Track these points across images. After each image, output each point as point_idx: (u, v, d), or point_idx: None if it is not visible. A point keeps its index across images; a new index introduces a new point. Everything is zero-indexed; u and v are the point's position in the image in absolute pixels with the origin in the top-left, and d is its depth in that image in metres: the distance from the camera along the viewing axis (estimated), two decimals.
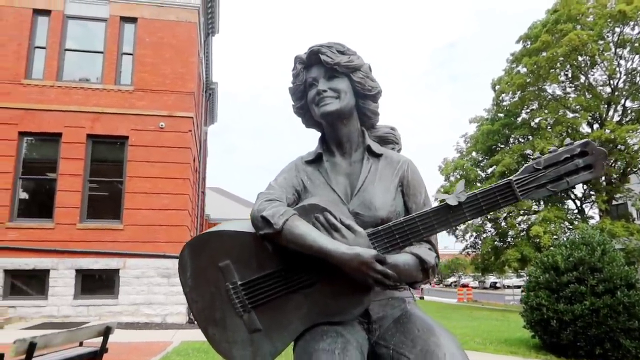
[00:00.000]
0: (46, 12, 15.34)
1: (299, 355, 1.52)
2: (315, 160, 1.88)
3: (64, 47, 15.41)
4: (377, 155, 1.85)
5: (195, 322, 1.74)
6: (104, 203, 14.94)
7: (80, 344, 5.61)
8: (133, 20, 15.83)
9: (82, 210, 14.46)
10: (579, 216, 27.81)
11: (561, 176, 1.57)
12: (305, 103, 1.90)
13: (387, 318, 1.70)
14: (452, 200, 1.58)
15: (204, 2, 19.65)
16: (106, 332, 5.50)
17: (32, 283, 13.97)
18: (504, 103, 30.56)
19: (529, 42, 28.77)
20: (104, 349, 5.54)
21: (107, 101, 15.14)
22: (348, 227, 1.58)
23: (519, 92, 28.71)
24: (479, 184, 30.96)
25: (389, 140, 1.99)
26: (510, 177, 1.59)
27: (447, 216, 1.60)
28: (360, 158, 1.85)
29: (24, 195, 14.87)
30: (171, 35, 15.91)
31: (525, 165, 1.61)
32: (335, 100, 1.79)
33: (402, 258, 1.61)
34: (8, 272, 13.76)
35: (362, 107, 1.87)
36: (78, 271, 14.00)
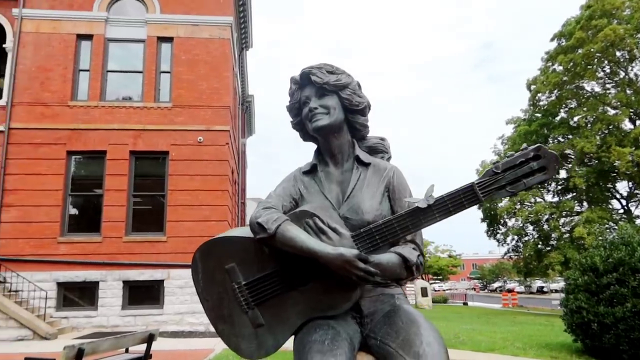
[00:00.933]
0: (89, 37, 16.17)
1: (296, 346, 1.72)
2: (311, 171, 2.08)
3: (106, 68, 16.18)
4: (366, 164, 2.04)
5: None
6: (148, 216, 15.54)
7: (126, 351, 5.95)
8: (169, 39, 16.47)
9: (127, 223, 15.09)
10: (624, 216, 26.82)
11: (519, 178, 1.71)
12: (301, 119, 2.10)
13: (378, 312, 1.87)
14: (422, 203, 1.74)
15: (237, 18, 20.22)
16: (149, 339, 5.82)
17: (82, 295, 14.65)
18: (541, 103, 29.92)
19: (563, 40, 28.14)
20: (147, 355, 5.85)
21: (147, 118, 15.79)
22: (334, 230, 1.77)
23: (556, 90, 28.07)
24: None
25: (379, 149, 2.17)
26: (473, 181, 1.74)
27: (419, 217, 1.75)
28: (351, 167, 2.04)
29: (73, 211, 15.64)
30: (206, 52, 16.46)
31: (487, 169, 1.76)
32: (326, 116, 1.98)
33: (386, 257, 1.77)
34: (61, 285, 14.49)
35: (352, 120, 2.06)
36: (125, 282, 14.60)
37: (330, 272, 1.71)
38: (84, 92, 15.92)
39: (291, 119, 2.16)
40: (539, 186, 1.93)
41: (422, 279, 49.37)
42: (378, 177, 2.02)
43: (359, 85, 2.09)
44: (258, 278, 1.85)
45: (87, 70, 16.01)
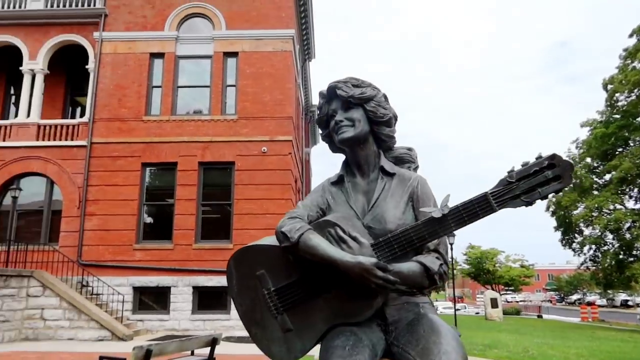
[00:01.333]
0: (160, 55, 17.16)
1: (321, 351, 1.78)
2: (339, 182, 2.14)
3: (177, 84, 17.08)
4: (391, 175, 2.08)
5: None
6: (216, 224, 16.15)
7: (192, 353, 6.23)
8: (234, 54, 17.13)
9: (196, 231, 15.77)
10: None
11: (533, 187, 1.68)
12: (329, 132, 2.16)
13: (402, 321, 1.90)
14: (436, 213, 1.75)
15: (299, 30, 20.67)
16: (213, 342, 6.07)
17: (156, 299, 15.44)
18: (619, 103, 28.11)
19: None
20: (211, 358, 6.10)
21: (215, 130, 16.46)
22: (354, 239, 1.82)
23: (636, 90, 26.27)
24: (595, 192, 28.62)
25: (405, 160, 2.19)
26: (487, 190, 1.72)
27: (435, 227, 1.77)
28: (376, 177, 2.09)
29: (147, 220, 16.56)
30: (269, 65, 16.96)
31: (500, 178, 1.72)
32: (351, 128, 2.04)
33: (407, 266, 1.80)
34: (137, 289, 15.37)
35: (377, 132, 2.10)
36: (195, 288, 15.24)
37: (351, 280, 1.76)
38: (157, 107, 16.88)
39: (320, 131, 2.24)
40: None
41: (492, 289, 47.57)
42: (402, 187, 2.05)
43: (386, 97, 2.14)
44: (286, 285, 1.93)
45: (160, 87, 16.97)
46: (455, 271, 61.20)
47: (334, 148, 2.22)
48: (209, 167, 16.42)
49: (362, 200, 2.06)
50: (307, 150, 29.85)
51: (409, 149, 2.23)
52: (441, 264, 1.87)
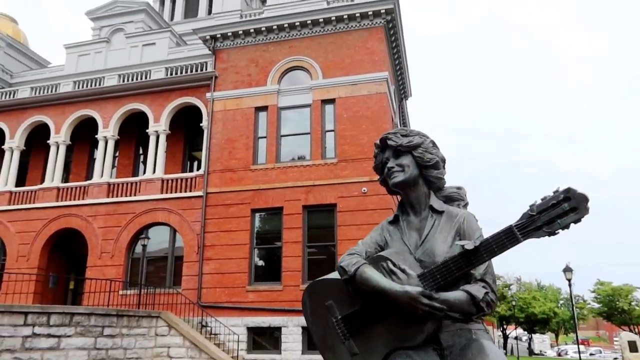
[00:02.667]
0: (264, 108, 18.50)
1: None
2: (395, 221, 2.43)
3: (280, 133, 18.23)
4: (440, 212, 2.31)
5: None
6: (321, 265, 16.62)
7: None
8: (331, 101, 17.96)
9: (303, 272, 16.34)
10: None
11: (553, 219, 1.83)
12: (384, 177, 2.44)
13: (456, 346, 2.10)
14: (469, 246, 1.95)
15: (393, 72, 21.13)
16: None
17: (268, 339, 16.11)
18: None
19: None
20: None
21: (316, 174, 17.20)
22: (403, 271, 2.06)
23: None
24: None
25: (454, 198, 2.42)
26: (511, 223, 1.90)
27: (470, 258, 1.97)
28: (427, 215, 2.33)
29: (258, 262, 17.52)
30: (365, 107, 17.51)
31: (523, 212, 1.89)
32: (401, 173, 2.33)
33: (454, 294, 2.00)
34: (250, 329, 16.17)
35: (426, 175, 2.36)
36: (304, 328, 15.66)
37: (402, 308, 2.00)
38: (263, 156, 18.09)
39: (378, 177, 2.53)
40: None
41: (630, 330, 42.41)
42: (450, 223, 2.27)
43: (433, 143, 2.39)
44: (350, 313, 2.22)
45: (265, 137, 18.23)
46: (584, 311, 55.60)
47: (390, 191, 2.49)
48: (313, 210, 17.09)
49: (415, 237, 2.30)
50: None
51: (459, 188, 2.47)
52: (486, 292, 2.05)
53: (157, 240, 18.68)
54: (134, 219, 18.67)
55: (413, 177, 2.34)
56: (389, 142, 2.37)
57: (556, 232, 1.86)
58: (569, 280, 20.13)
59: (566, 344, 52.72)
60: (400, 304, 2.00)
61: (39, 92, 21.78)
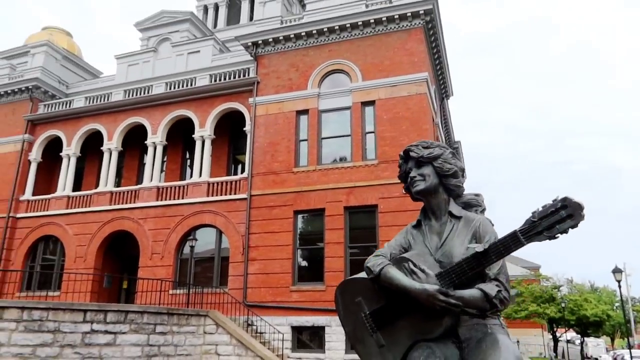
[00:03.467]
0: (305, 112, 18.85)
1: None
2: (418, 225, 2.70)
3: (321, 136, 18.52)
4: (458, 217, 2.55)
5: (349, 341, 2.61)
6: (363, 266, 16.74)
7: None
8: (371, 103, 18.10)
9: (345, 273, 16.55)
10: None
11: (552, 225, 2.03)
12: (408, 185, 2.69)
13: (472, 339, 2.32)
14: (479, 248, 2.18)
15: (433, 72, 21.04)
16: None
17: (312, 338, 16.43)
18: None
19: None
20: None
21: (357, 176, 17.38)
22: (422, 271, 2.29)
23: None
24: None
25: (473, 204, 2.64)
26: (516, 228, 2.11)
27: (480, 260, 2.20)
28: (446, 220, 2.55)
29: (301, 263, 17.87)
30: (405, 108, 17.56)
31: (527, 218, 2.09)
32: (422, 182, 2.58)
33: (469, 292, 2.23)
34: (294, 328, 16.53)
35: (445, 183, 2.59)
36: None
37: (422, 304, 2.23)
38: (304, 158, 18.43)
39: (404, 185, 2.77)
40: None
41: None
42: (467, 227, 2.50)
43: (453, 154, 2.62)
44: (377, 309, 2.47)
45: (306, 140, 18.58)
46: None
47: (414, 197, 2.72)
48: (354, 211, 17.29)
49: (436, 240, 2.55)
50: None
51: (477, 195, 2.69)
52: (499, 290, 2.27)
53: (204, 242, 19.34)
54: (182, 221, 19.41)
55: (433, 186, 2.58)
56: (411, 154, 2.63)
57: (556, 236, 2.05)
58: (619, 281, 19.47)
59: (622, 348, 50.46)
60: (420, 301, 2.23)
61: (93, 102, 22.96)
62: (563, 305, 29.69)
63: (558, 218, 2.04)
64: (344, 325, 2.62)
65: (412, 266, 2.34)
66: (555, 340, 32.69)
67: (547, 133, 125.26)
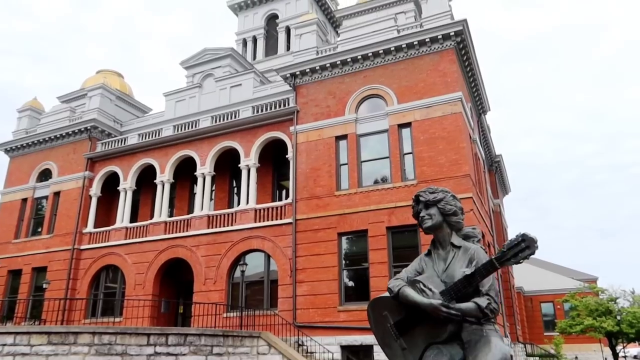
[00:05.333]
0: (344, 137, 19.62)
1: None
2: (429, 253, 3.40)
3: (360, 159, 19.20)
4: (458, 247, 3.24)
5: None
6: None
7: None
8: (407, 125, 18.67)
9: None
10: None
11: (516, 253, 2.71)
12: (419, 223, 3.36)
13: (472, 341, 2.99)
14: (468, 271, 2.88)
15: (468, 89, 21.44)
16: None
17: (362, 357, 16.85)
18: None
19: None
20: None
21: (397, 197, 17.90)
22: (430, 290, 2.98)
23: None
24: None
25: (470, 235, 3.35)
26: (492, 257, 2.81)
27: (470, 280, 2.87)
28: (450, 249, 3.25)
29: (347, 283, 18.43)
30: (441, 128, 18.03)
31: (499, 249, 2.75)
32: (429, 220, 3.32)
33: (465, 305, 2.90)
34: (344, 348, 17.03)
35: (448, 220, 3.32)
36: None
37: (430, 315, 2.91)
38: (345, 182, 19.14)
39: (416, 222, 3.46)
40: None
41: None
42: (465, 255, 3.22)
43: (453, 197, 3.37)
44: (399, 320, 3.17)
45: (346, 164, 19.31)
46: None
47: (425, 232, 3.44)
48: (396, 231, 17.76)
49: (442, 265, 3.27)
50: (497, 202, 29.30)
51: (473, 228, 3.37)
52: (489, 303, 2.97)
53: (253, 266, 20.24)
54: (232, 247, 20.41)
55: (438, 223, 3.31)
56: (420, 198, 3.40)
57: (520, 261, 2.74)
58: None
59: None
60: (429, 312, 2.93)
61: (145, 138, 24.59)
62: (619, 318, 28.76)
63: (520, 249, 2.75)
64: (375, 334, 3.32)
65: (422, 286, 3.05)
66: (615, 355, 31.51)
67: (601, 137, 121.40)
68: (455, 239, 3.31)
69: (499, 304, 3.12)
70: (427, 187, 3.47)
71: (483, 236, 19.26)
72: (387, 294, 3.33)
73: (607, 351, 36.91)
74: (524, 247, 2.75)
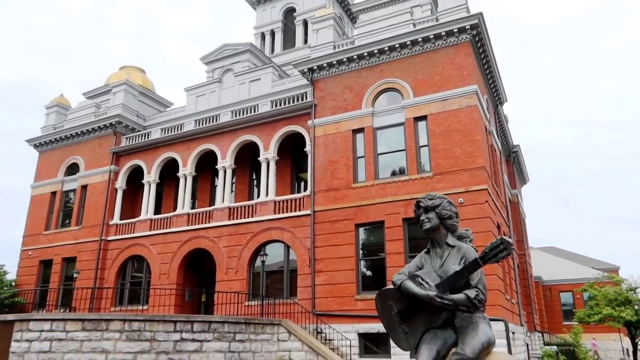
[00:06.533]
0: (361, 130, 20.03)
1: (418, 342, 3.49)
2: (428, 251, 3.86)
3: (377, 152, 19.60)
4: (452, 246, 3.73)
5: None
6: None
7: None
8: (423, 118, 18.99)
9: None
10: None
11: (496, 254, 3.19)
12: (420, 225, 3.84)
13: (464, 326, 3.49)
14: (457, 268, 3.38)
15: (485, 81, 21.60)
16: None
17: (378, 344, 17.40)
18: None
19: None
20: None
21: (413, 188, 18.28)
22: (427, 283, 3.46)
23: None
24: None
25: (463, 236, 3.84)
26: (477, 256, 3.30)
27: (460, 275, 3.37)
28: (445, 248, 3.73)
29: (364, 273, 18.94)
30: (456, 121, 18.31)
31: (484, 250, 3.20)
32: (428, 223, 3.81)
33: (457, 296, 3.40)
34: (361, 335, 17.59)
35: (444, 223, 3.80)
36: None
37: (428, 304, 3.41)
38: (362, 174, 19.58)
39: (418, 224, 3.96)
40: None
41: None
42: (458, 253, 3.72)
43: (449, 202, 3.88)
44: (402, 308, 3.68)
45: (363, 157, 19.73)
46: None
47: (424, 233, 3.93)
48: (412, 222, 18.10)
49: (438, 262, 3.78)
50: (514, 192, 29.41)
51: (466, 230, 3.86)
52: (477, 294, 3.49)
53: (273, 256, 20.89)
54: (253, 238, 21.07)
55: (436, 225, 3.83)
56: (421, 204, 3.91)
57: (499, 260, 3.25)
58: None
59: None
60: (426, 302, 3.44)
61: (168, 132, 25.34)
62: (637, 307, 28.75)
63: (499, 250, 3.26)
64: (382, 320, 3.80)
65: (420, 280, 3.57)
66: (635, 345, 31.51)
67: (628, 124, 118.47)
68: (451, 239, 3.85)
69: (486, 295, 3.62)
70: (427, 194, 4.00)
71: (499, 226, 19.58)
72: (390, 286, 3.87)
73: (627, 341, 36.87)
74: (502, 248, 3.26)
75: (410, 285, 3.54)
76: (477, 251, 3.76)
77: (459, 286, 3.47)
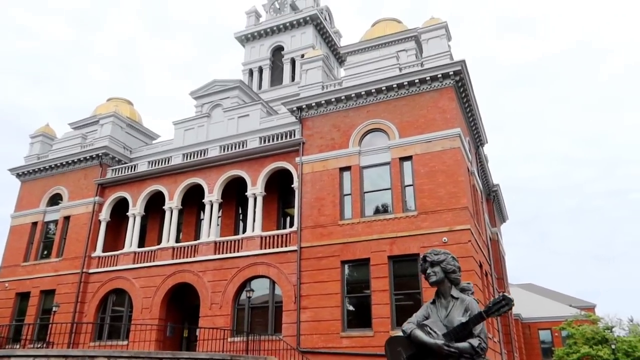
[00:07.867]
0: (348, 168, 20.53)
1: None
2: (433, 302, 4.22)
3: (363, 190, 20.06)
4: (456, 298, 4.09)
5: None
6: (408, 311, 17.76)
7: None
8: (409, 158, 19.60)
9: (392, 319, 17.65)
10: None
11: (499, 309, 3.56)
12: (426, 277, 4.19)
13: None
14: (463, 320, 3.69)
15: (467, 123, 22.44)
16: None
17: None
18: None
19: None
20: None
21: (399, 227, 18.70)
22: (435, 332, 3.78)
23: None
24: None
25: (465, 289, 4.23)
26: (482, 310, 3.64)
27: (465, 326, 3.72)
28: (450, 300, 4.10)
29: (350, 310, 19.08)
30: (440, 162, 18.95)
31: (488, 305, 3.55)
32: (434, 276, 4.19)
33: (462, 344, 3.75)
34: None
35: (449, 277, 4.17)
36: None
37: (435, 352, 3.73)
38: (349, 212, 19.96)
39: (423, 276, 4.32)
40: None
41: None
42: (462, 305, 4.10)
43: (453, 258, 4.28)
44: (410, 354, 4.00)
45: (349, 195, 20.16)
46: None
47: (430, 285, 4.29)
48: (397, 260, 18.51)
49: (443, 312, 4.15)
50: (495, 231, 30.10)
51: (468, 283, 4.26)
52: (480, 343, 3.86)
53: (258, 291, 20.90)
54: (238, 273, 21.11)
55: (441, 278, 4.22)
56: (427, 258, 4.31)
57: (501, 314, 3.64)
58: None
59: None
60: (433, 349, 3.79)
61: (155, 165, 25.46)
62: (613, 346, 29.26)
63: (501, 305, 3.67)
64: None
65: (429, 329, 3.92)
66: None
67: (600, 162, 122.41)
68: (454, 292, 4.26)
69: (487, 343, 4.00)
70: (432, 249, 4.41)
71: (481, 265, 20.05)
72: (400, 333, 4.22)
73: None
74: (504, 304, 3.72)
75: (420, 334, 3.91)
76: (478, 302, 4.13)
77: (463, 335, 3.84)
